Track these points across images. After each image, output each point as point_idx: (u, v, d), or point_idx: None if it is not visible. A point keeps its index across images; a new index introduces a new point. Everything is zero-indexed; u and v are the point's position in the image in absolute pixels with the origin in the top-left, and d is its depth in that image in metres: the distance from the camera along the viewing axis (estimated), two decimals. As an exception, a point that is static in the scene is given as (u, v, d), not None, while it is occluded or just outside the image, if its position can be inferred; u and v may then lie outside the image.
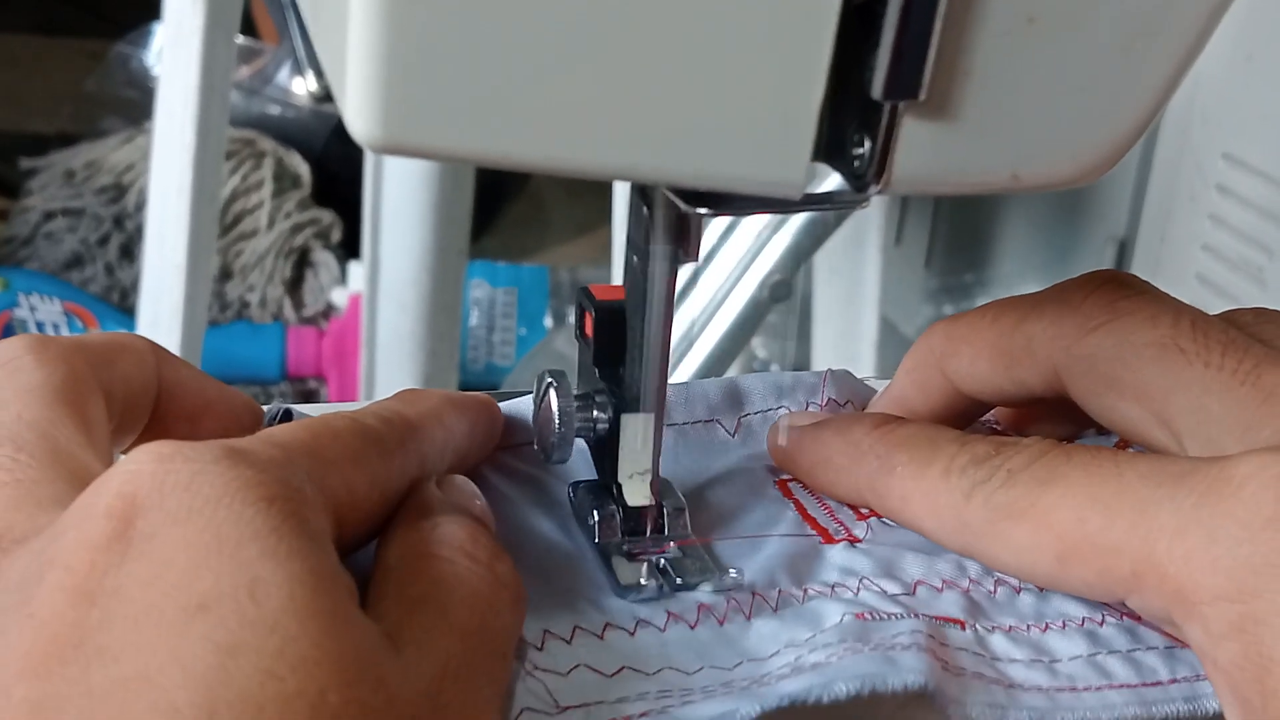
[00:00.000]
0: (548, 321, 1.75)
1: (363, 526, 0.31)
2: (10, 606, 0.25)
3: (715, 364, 1.04)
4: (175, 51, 1.02)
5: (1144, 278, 0.38)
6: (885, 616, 0.34)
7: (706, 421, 0.42)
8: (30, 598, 0.25)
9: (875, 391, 0.44)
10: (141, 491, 0.26)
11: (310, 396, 1.63)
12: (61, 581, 0.25)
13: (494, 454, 0.39)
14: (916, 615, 0.34)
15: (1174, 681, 0.33)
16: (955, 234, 1.33)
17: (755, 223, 1.04)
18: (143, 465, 0.26)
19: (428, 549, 0.30)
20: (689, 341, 1.03)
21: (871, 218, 1.17)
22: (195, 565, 0.25)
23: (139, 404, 0.34)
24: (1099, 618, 0.35)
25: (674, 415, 0.41)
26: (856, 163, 0.28)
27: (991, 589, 0.36)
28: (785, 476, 0.40)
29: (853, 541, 0.37)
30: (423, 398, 0.35)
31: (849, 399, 0.43)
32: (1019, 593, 0.36)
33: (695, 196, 0.31)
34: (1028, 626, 0.35)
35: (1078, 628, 0.35)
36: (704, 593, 0.35)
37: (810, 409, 0.42)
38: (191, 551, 0.25)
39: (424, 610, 0.28)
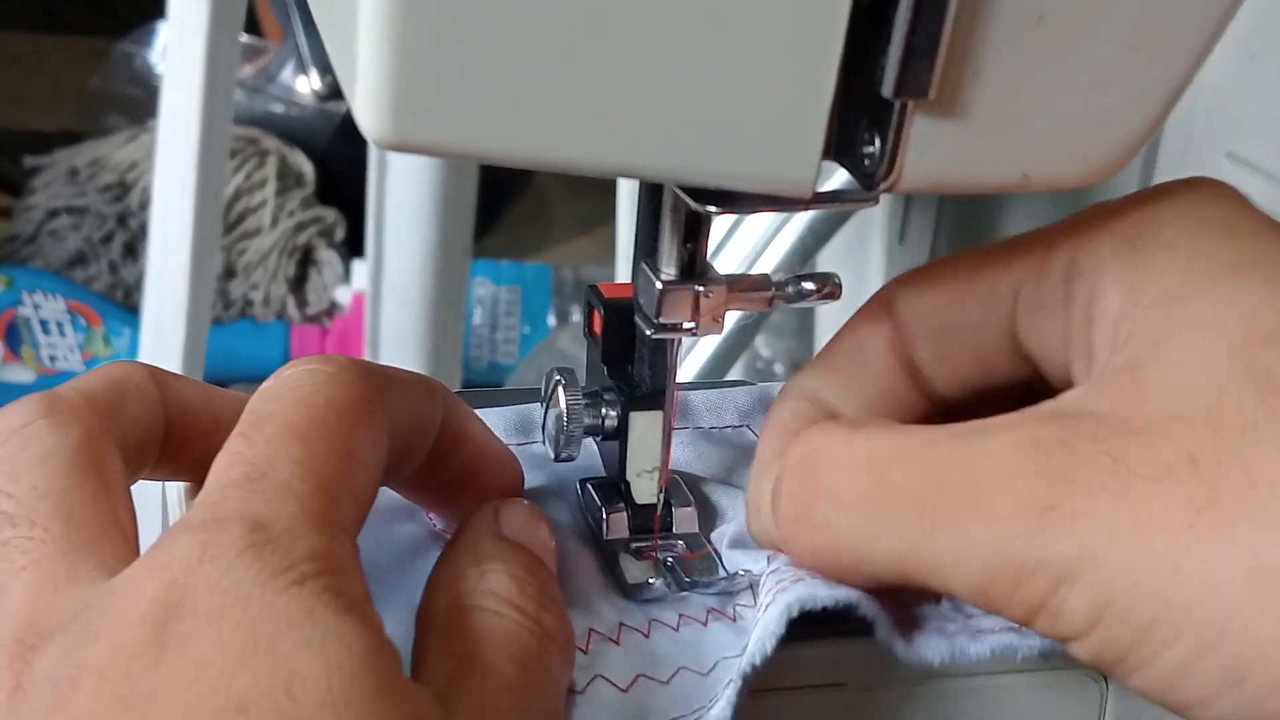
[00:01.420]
0: (551, 320, 1.75)
1: (365, 514, 0.30)
2: (43, 709, 0.25)
3: (719, 361, 1.04)
4: (179, 49, 1.02)
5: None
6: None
7: (736, 427, 0.42)
8: (63, 702, 0.25)
9: None
10: (174, 597, 0.26)
11: (314, 394, 1.63)
12: (97, 690, 0.25)
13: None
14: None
15: None
16: (959, 233, 1.33)
17: (759, 221, 1.04)
18: (174, 571, 0.26)
19: (473, 601, 0.30)
20: (693, 339, 1.03)
21: (875, 216, 1.17)
22: (232, 665, 0.25)
23: (150, 443, 0.33)
24: None
25: (701, 421, 0.41)
26: (866, 161, 0.28)
27: None
28: None
29: None
30: (431, 379, 0.35)
31: None
32: None
33: (705, 195, 0.31)
34: None
35: None
36: (713, 595, 0.35)
37: None
38: (228, 651, 0.25)
39: (472, 669, 0.28)
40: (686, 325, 0.34)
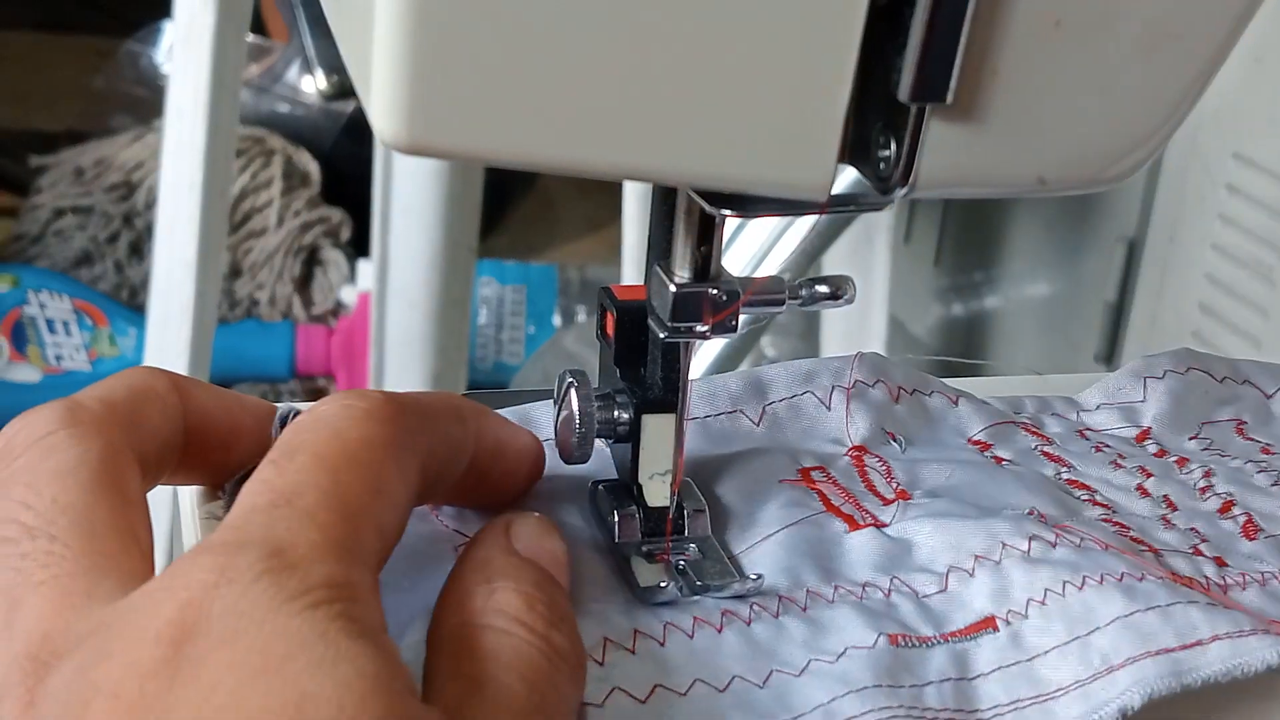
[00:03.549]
0: (556, 320, 1.75)
1: (389, 551, 0.30)
2: None
3: (725, 362, 1.04)
4: (185, 49, 1.02)
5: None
6: (918, 643, 0.34)
7: (730, 413, 0.42)
8: None
9: (911, 371, 0.44)
10: (189, 619, 0.26)
11: (319, 395, 1.63)
12: (110, 709, 0.25)
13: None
14: (947, 639, 0.34)
15: (1215, 639, 0.33)
16: (965, 233, 1.33)
17: (765, 222, 1.04)
18: (191, 593, 0.26)
19: (482, 620, 0.30)
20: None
21: (881, 217, 1.17)
22: (243, 686, 0.25)
23: (168, 453, 0.33)
24: (1139, 574, 0.34)
25: (695, 410, 0.41)
26: (882, 165, 0.28)
27: (1025, 547, 0.36)
28: (808, 465, 0.40)
29: (879, 527, 0.37)
30: (455, 398, 0.35)
31: (879, 379, 0.43)
32: (1055, 546, 0.36)
33: (719, 198, 0.31)
34: (1063, 586, 0.34)
35: (1116, 582, 0.34)
36: (726, 598, 0.35)
37: (835, 393, 0.42)
38: (239, 672, 0.25)
39: (482, 690, 0.28)
40: (700, 328, 0.34)
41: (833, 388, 0.42)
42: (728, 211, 0.31)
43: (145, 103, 1.76)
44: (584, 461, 0.37)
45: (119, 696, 0.25)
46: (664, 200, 0.34)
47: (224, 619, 0.25)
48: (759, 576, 0.35)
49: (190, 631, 0.25)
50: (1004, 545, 0.36)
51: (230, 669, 0.25)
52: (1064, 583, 0.34)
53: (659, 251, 0.35)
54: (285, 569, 0.26)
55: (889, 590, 0.35)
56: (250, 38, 1.62)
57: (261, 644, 0.25)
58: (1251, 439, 0.45)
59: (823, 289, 0.36)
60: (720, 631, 0.34)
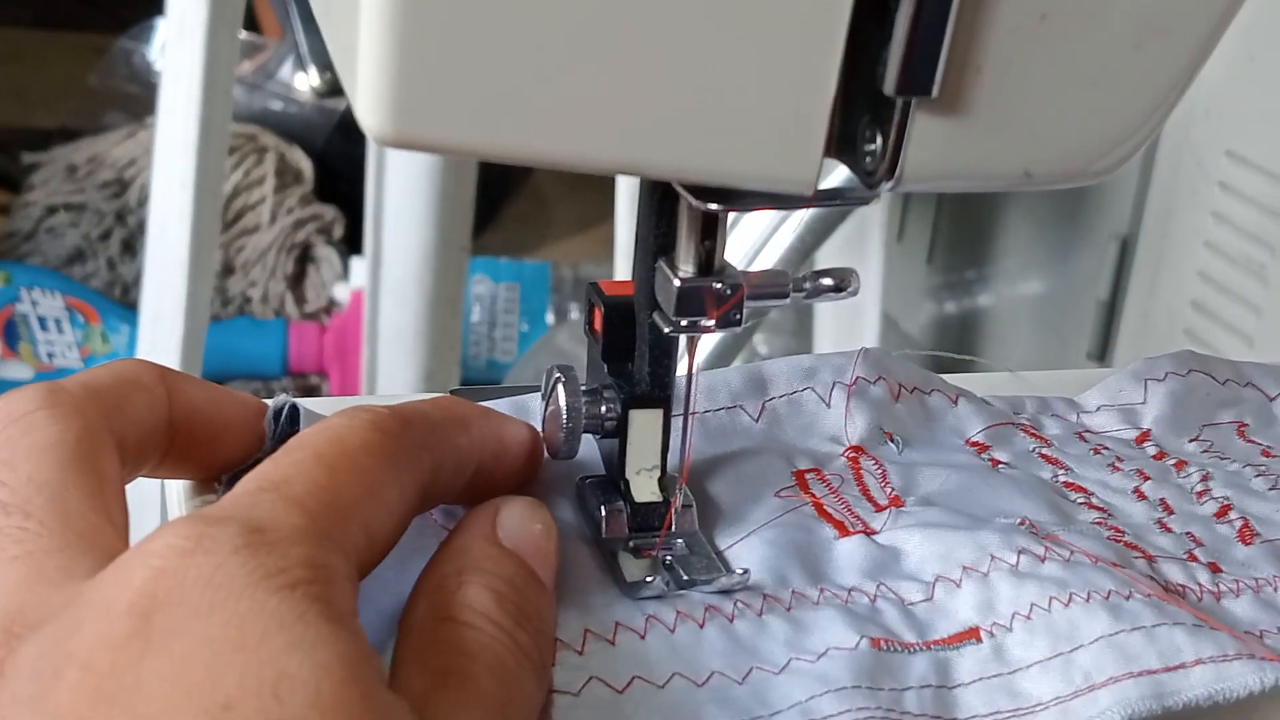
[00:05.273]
0: (549, 318, 1.75)
1: (377, 557, 0.31)
2: (25, 699, 0.25)
3: (718, 359, 1.04)
4: (178, 46, 1.02)
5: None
6: (900, 648, 0.34)
7: (729, 408, 0.42)
8: (46, 693, 0.25)
9: (912, 368, 0.43)
10: (162, 588, 0.25)
11: (312, 392, 1.63)
12: (81, 681, 0.25)
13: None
14: (930, 646, 0.34)
15: (1198, 663, 0.33)
16: (957, 230, 1.33)
17: (758, 219, 1.04)
18: (166, 560, 0.26)
19: (450, 613, 0.30)
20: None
21: (874, 214, 1.17)
22: (219, 662, 0.24)
23: (150, 444, 0.33)
24: (1126, 592, 0.35)
25: (694, 405, 0.41)
26: (868, 159, 0.28)
27: (1014, 560, 0.36)
28: (802, 467, 0.40)
29: (869, 534, 0.37)
30: (459, 405, 0.35)
31: (880, 376, 0.43)
32: (1043, 560, 0.36)
33: (706, 192, 0.31)
34: (1049, 602, 0.34)
35: (1102, 600, 0.34)
36: (711, 593, 0.35)
37: (836, 390, 0.42)
38: (215, 647, 0.25)
39: (450, 683, 0.28)
40: (704, 323, 0.34)
41: (834, 384, 0.42)
42: (714, 205, 0.31)
43: (138, 100, 1.76)
44: (571, 457, 0.37)
45: (90, 668, 0.25)
46: (665, 195, 0.34)
47: (198, 589, 0.25)
48: (745, 571, 0.35)
49: (163, 601, 0.25)
50: (992, 558, 0.36)
51: (205, 644, 0.25)
52: (1050, 598, 0.34)
53: (646, 245, 0.35)
54: (263, 545, 0.26)
55: (875, 596, 0.35)
56: (243, 34, 1.62)
57: (238, 620, 0.25)
58: (1253, 441, 0.46)
59: (827, 281, 0.36)
60: (702, 627, 0.34)
